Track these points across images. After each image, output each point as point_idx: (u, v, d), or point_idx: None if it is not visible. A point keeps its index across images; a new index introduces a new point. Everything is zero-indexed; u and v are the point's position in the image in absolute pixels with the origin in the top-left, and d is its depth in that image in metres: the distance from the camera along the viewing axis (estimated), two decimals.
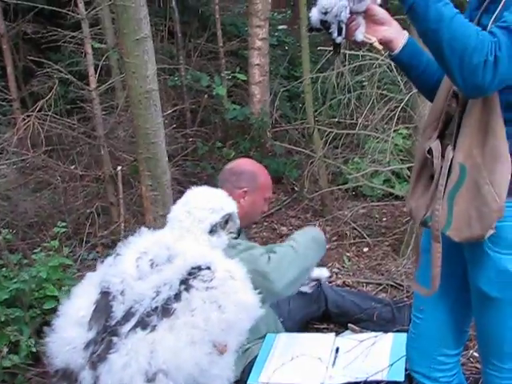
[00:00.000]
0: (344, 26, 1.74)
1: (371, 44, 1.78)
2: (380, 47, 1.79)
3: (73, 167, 4.85)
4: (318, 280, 2.90)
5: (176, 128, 5.52)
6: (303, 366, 2.39)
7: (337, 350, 2.49)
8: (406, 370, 2.24)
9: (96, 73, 4.38)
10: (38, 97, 4.99)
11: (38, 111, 4.50)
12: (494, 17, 1.60)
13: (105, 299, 1.74)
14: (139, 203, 4.43)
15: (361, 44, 1.81)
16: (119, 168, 3.94)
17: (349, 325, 2.90)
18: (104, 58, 4.90)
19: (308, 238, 2.49)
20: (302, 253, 2.38)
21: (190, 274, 1.68)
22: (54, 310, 2.98)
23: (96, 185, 4.77)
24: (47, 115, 4.52)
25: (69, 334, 1.75)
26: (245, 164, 2.75)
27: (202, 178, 5.57)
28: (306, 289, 2.86)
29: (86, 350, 1.70)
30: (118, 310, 1.70)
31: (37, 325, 2.96)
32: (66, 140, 4.96)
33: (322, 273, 2.91)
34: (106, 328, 1.69)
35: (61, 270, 3.17)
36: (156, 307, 1.65)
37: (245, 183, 2.59)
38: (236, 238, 2.04)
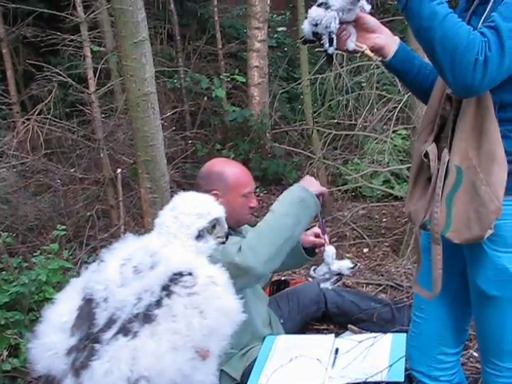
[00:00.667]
0: (334, 37, 1.76)
1: (363, 52, 1.80)
2: (371, 54, 1.81)
3: (72, 170, 4.86)
4: (339, 274, 2.59)
5: (175, 130, 5.53)
6: (302, 368, 2.39)
7: (336, 350, 2.49)
8: (406, 370, 2.24)
9: (95, 76, 4.39)
10: (38, 100, 5.01)
11: (37, 114, 4.52)
12: (482, 18, 1.62)
13: (88, 306, 1.73)
14: (139, 206, 4.43)
15: (353, 52, 1.83)
16: (119, 171, 3.95)
17: (348, 326, 2.90)
18: (103, 61, 4.92)
19: (286, 204, 2.31)
20: (276, 226, 2.24)
21: (171, 280, 1.67)
22: None
23: (96, 188, 4.77)
24: (47, 118, 4.53)
25: (51, 339, 1.74)
26: (212, 165, 2.61)
27: None
28: (327, 285, 2.67)
29: (67, 356, 1.69)
30: (101, 317, 1.69)
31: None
32: (66, 143, 4.97)
33: (343, 264, 2.58)
34: (89, 335, 1.69)
35: (61, 273, 3.17)
36: (137, 314, 1.64)
37: (214, 185, 2.48)
38: (224, 243, 2.01)
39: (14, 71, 5.60)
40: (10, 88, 5.39)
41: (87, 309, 1.72)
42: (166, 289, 1.66)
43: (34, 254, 3.37)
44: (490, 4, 1.61)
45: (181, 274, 1.68)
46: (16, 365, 2.74)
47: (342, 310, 3.01)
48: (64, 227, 3.66)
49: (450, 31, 1.50)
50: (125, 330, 1.63)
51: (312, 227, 2.76)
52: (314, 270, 2.57)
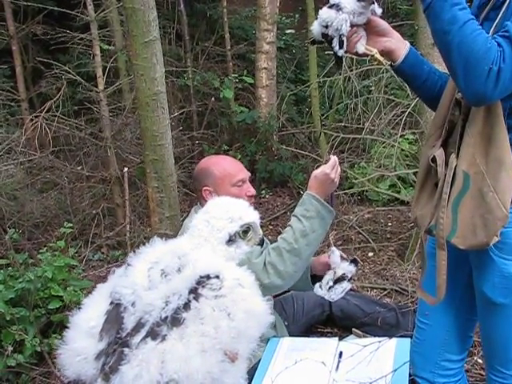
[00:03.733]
0: (345, 39, 1.76)
1: (372, 55, 1.79)
2: (381, 58, 1.80)
3: (79, 168, 4.88)
4: (343, 278, 2.53)
5: (183, 130, 5.54)
6: (307, 370, 2.38)
7: (340, 354, 2.48)
8: (409, 375, 2.24)
9: (104, 74, 4.40)
10: (46, 98, 5.02)
11: (45, 112, 4.53)
12: (494, 24, 1.62)
13: (116, 310, 1.73)
14: (145, 205, 4.45)
15: (362, 55, 1.83)
16: (126, 169, 3.95)
17: (353, 329, 2.89)
18: (112, 59, 4.93)
19: (303, 220, 2.28)
20: (296, 246, 2.25)
21: (198, 282, 1.68)
22: (58, 310, 3.01)
23: (102, 186, 4.78)
24: (55, 116, 4.54)
25: (79, 344, 1.74)
26: (199, 164, 2.70)
27: None
28: (332, 296, 2.60)
29: (97, 360, 1.70)
30: (129, 321, 1.70)
31: (41, 324, 2.99)
32: (73, 141, 4.98)
33: (349, 267, 2.54)
34: (118, 339, 1.69)
35: (66, 270, 3.18)
36: (166, 317, 1.64)
37: (204, 182, 2.57)
38: (261, 245, 2.00)
39: (23, 68, 5.62)
40: (19, 85, 5.41)
41: (115, 313, 1.72)
42: (194, 292, 1.66)
43: (40, 250, 3.38)
44: (503, 9, 1.61)
45: (208, 277, 1.68)
46: (20, 360, 2.76)
47: (347, 314, 3.01)
48: (70, 225, 3.67)
49: (467, 38, 1.50)
50: (153, 334, 1.64)
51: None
52: (320, 286, 2.53)
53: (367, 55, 1.83)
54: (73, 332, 1.78)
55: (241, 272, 1.75)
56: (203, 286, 1.66)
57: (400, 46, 1.82)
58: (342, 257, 2.54)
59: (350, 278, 2.55)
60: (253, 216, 1.88)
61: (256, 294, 1.72)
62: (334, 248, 2.55)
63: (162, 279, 1.72)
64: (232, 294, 1.66)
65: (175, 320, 1.63)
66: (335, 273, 2.52)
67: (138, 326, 1.67)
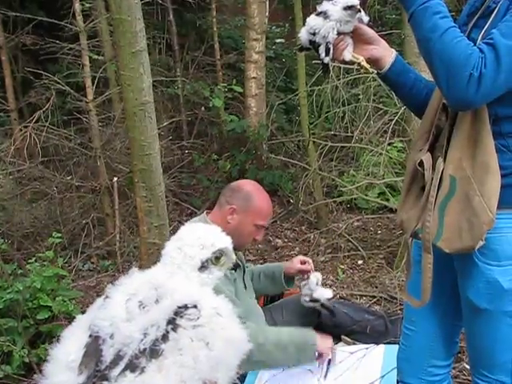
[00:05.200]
0: (331, 47, 1.78)
1: (359, 63, 1.81)
2: (367, 66, 1.82)
3: (69, 178, 4.87)
4: (317, 300, 2.75)
5: (172, 140, 5.55)
6: (295, 378, 2.40)
7: (328, 361, 2.50)
8: (397, 381, 2.25)
9: (93, 85, 4.42)
10: (36, 108, 5.02)
11: (35, 122, 4.53)
12: (483, 32, 1.64)
13: (95, 343, 1.72)
14: (135, 214, 4.43)
15: (349, 63, 1.85)
16: (115, 179, 3.96)
17: (342, 337, 2.90)
18: (101, 70, 4.94)
19: (292, 344, 2.38)
20: (275, 356, 2.33)
21: (176, 313, 1.67)
22: (47, 321, 3.00)
23: (92, 196, 4.78)
24: (44, 126, 4.55)
25: (59, 378, 1.72)
26: (245, 184, 2.64)
27: (197, 189, 5.60)
28: (306, 301, 2.78)
29: None
30: (108, 354, 1.68)
31: (30, 335, 2.97)
32: (63, 151, 4.99)
33: (324, 294, 2.75)
34: (97, 372, 1.68)
35: (55, 280, 3.17)
36: (144, 349, 1.63)
37: (236, 201, 2.49)
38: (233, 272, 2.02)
39: (13, 78, 5.62)
40: (9, 95, 5.41)
41: (94, 346, 1.71)
42: (172, 322, 1.65)
43: (29, 260, 3.37)
44: (492, 18, 1.63)
45: (186, 307, 1.67)
46: (8, 372, 2.75)
47: (336, 322, 3.00)
48: (59, 235, 3.67)
49: (448, 45, 1.53)
50: (132, 366, 1.63)
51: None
52: (303, 285, 2.73)
53: (354, 63, 1.85)
54: (52, 366, 1.76)
55: (218, 301, 1.75)
56: (181, 317, 1.66)
57: (386, 53, 1.84)
58: (317, 283, 2.69)
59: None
60: (225, 241, 1.88)
61: (234, 321, 1.73)
62: (311, 278, 2.69)
63: (140, 311, 1.71)
64: (210, 323, 1.66)
65: (154, 352, 1.63)
66: (312, 294, 2.70)
67: (117, 358, 1.66)
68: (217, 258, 1.84)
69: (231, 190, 2.56)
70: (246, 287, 2.66)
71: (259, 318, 2.72)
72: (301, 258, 2.83)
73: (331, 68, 2.07)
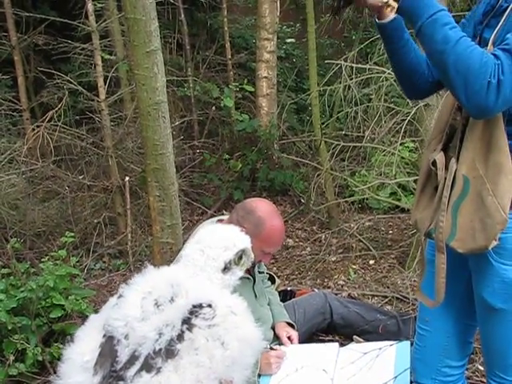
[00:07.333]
0: None
1: (386, 2, 1.69)
2: (395, 4, 1.67)
3: (81, 177, 4.89)
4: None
5: (184, 139, 5.56)
6: (308, 378, 2.39)
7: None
8: (411, 382, 2.24)
9: (105, 84, 4.43)
10: (48, 107, 5.04)
11: (47, 121, 4.55)
12: (495, 31, 1.63)
13: (109, 343, 1.72)
14: (146, 214, 4.46)
15: (374, 6, 1.72)
16: (127, 179, 3.97)
17: (354, 337, 2.89)
18: (113, 69, 4.95)
19: None
20: None
21: (191, 312, 1.67)
22: (60, 319, 3.02)
23: (104, 195, 4.80)
24: (56, 125, 4.57)
25: (74, 379, 1.73)
26: (260, 206, 2.52)
27: (208, 189, 5.61)
28: None
29: None
30: (123, 354, 1.68)
31: (43, 333, 2.99)
32: (75, 150, 5.00)
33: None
34: (112, 373, 1.68)
35: (68, 279, 3.19)
36: (160, 349, 1.63)
37: (247, 224, 2.39)
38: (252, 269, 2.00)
39: (25, 78, 5.64)
40: (21, 95, 5.43)
41: (109, 346, 1.71)
42: (187, 322, 1.65)
43: (42, 259, 3.39)
44: (504, 17, 1.63)
45: (200, 306, 1.67)
46: (22, 370, 2.76)
47: (348, 322, 3.01)
48: (72, 234, 3.68)
49: (462, 55, 1.52)
50: (148, 366, 1.63)
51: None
52: None
53: (377, 7, 1.72)
54: (67, 367, 1.76)
55: (232, 299, 1.75)
56: (196, 316, 1.66)
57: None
58: None
59: None
60: (246, 241, 1.89)
61: (248, 320, 1.73)
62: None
63: (155, 310, 1.71)
64: (225, 322, 1.66)
65: (169, 352, 1.63)
66: None
67: (132, 358, 1.66)
68: (239, 258, 1.85)
69: (244, 211, 2.49)
70: (256, 296, 2.65)
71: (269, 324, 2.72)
72: (292, 333, 2.73)
73: (343, 12, 1.94)
